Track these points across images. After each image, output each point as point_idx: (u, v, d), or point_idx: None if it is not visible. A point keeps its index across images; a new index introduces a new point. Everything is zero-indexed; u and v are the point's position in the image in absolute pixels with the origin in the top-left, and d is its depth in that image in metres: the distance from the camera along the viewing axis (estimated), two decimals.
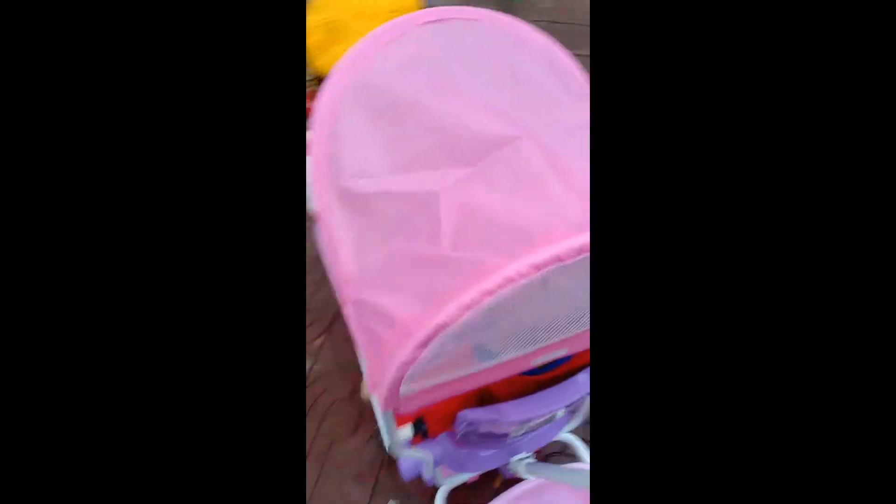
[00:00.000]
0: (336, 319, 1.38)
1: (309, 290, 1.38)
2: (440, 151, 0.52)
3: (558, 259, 0.40)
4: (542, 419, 0.71)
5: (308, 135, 0.55)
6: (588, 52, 0.41)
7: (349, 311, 0.57)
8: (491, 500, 0.91)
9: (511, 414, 0.65)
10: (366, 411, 1.21)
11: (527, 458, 0.90)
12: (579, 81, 0.61)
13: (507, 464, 0.90)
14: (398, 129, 0.54)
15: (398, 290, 0.50)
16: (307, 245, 0.61)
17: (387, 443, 0.77)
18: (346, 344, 1.31)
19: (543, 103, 0.56)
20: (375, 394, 0.54)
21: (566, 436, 1.03)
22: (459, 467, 0.86)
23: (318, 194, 0.56)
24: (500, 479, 1.05)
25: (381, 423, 0.67)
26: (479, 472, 0.98)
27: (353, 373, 1.28)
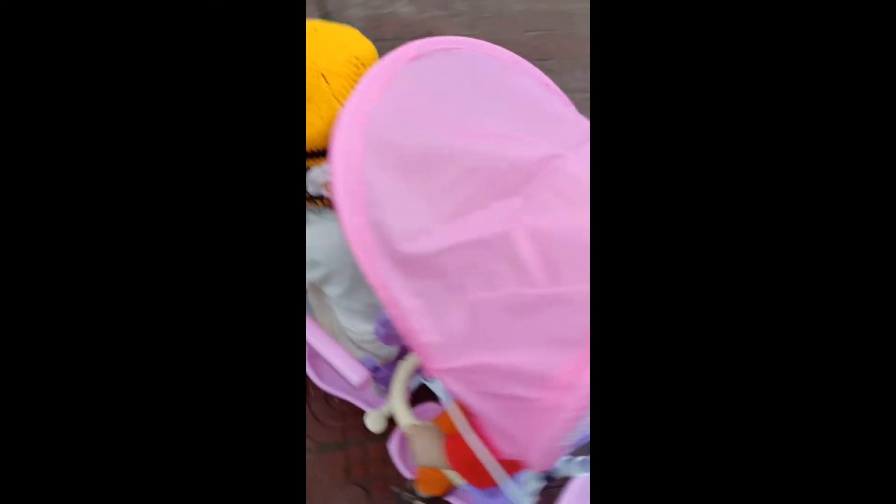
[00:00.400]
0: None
1: None
2: (484, 189, 0.51)
3: None
4: None
5: None
6: None
7: (450, 383, 0.55)
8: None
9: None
10: (371, 482, 1.15)
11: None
12: (558, 92, 0.65)
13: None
14: (435, 179, 0.52)
15: (516, 344, 0.48)
16: None
17: None
18: (319, 426, 1.22)
19: (552, 118, 0.59)
20: (523, 459, 0.54)
21: None
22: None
23: (370, 271, 0.53)
24: None
25: (506, 486, 0.65)
26: None
27: (334, 453, 1.20)
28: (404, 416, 0.80)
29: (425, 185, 0.52)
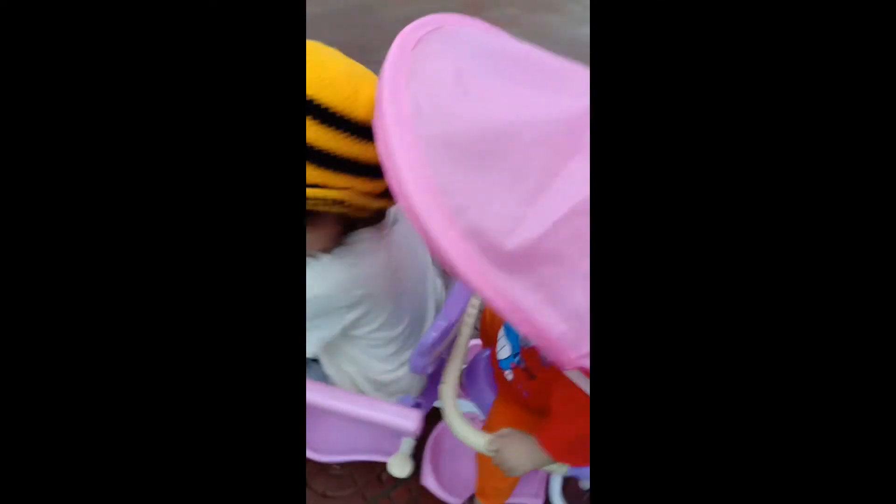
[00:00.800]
0: None
1: None
2: (550, 156, 0.48)
3: None
4: None
5: None
6: None
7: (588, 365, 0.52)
8: None
9: None
10: None
11: None
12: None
13: None
14: (503, 162, 0.48)
15: None
16: None
17: None
18: (332, 501, 1.08)
19: (563, 70, 0.56)
20: None
21: None
22: None
23: (481, 283, 0.47)
24: None
25: None
26: None
27: None
28: (477, 437, 0.73)
29: (497, 171, 0.47)
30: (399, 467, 1.02)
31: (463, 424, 0.74)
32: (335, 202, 0.57)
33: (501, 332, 0.89)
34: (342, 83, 0.56)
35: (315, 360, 0.92)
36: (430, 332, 0.69)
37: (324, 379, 0.86)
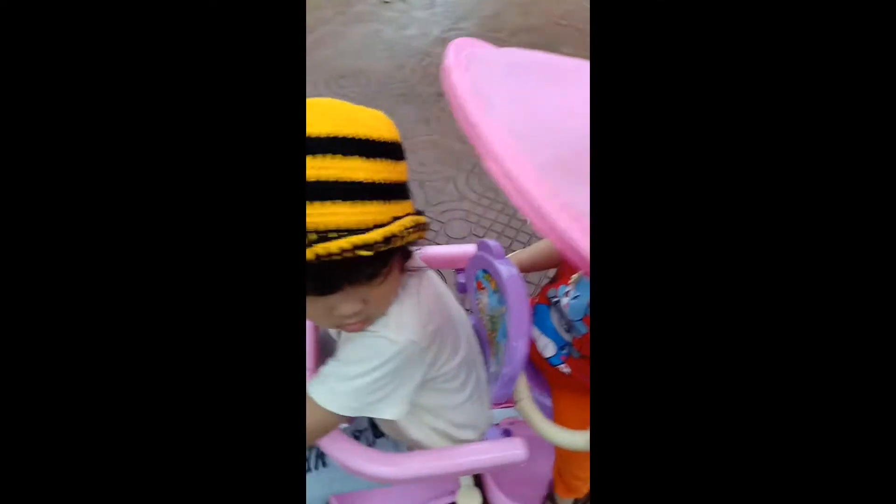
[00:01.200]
0: None
1: None
2: None
3: None
4: None
5: None
6: None
7: None
8: None
9: None
10: None
11: None
12: None
13: None
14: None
15: None
16: None
17: None
18: None
19: (583, 70, 0.60)
20: None
21: None
22: None
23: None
24: None
25: None
26: None
27: None
28: (578, 437, 0.75)
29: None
30: (469, 500, 1.00)
31: (560, 431, 0.75)
32: (412, 230, 0.55)
33: (537, 333, 0.91)
34: (362, 112, 0.55)
35: (378, 436, 0.87)
36: (513, 359, 0.69)
37: (396, 450, 0.81)
